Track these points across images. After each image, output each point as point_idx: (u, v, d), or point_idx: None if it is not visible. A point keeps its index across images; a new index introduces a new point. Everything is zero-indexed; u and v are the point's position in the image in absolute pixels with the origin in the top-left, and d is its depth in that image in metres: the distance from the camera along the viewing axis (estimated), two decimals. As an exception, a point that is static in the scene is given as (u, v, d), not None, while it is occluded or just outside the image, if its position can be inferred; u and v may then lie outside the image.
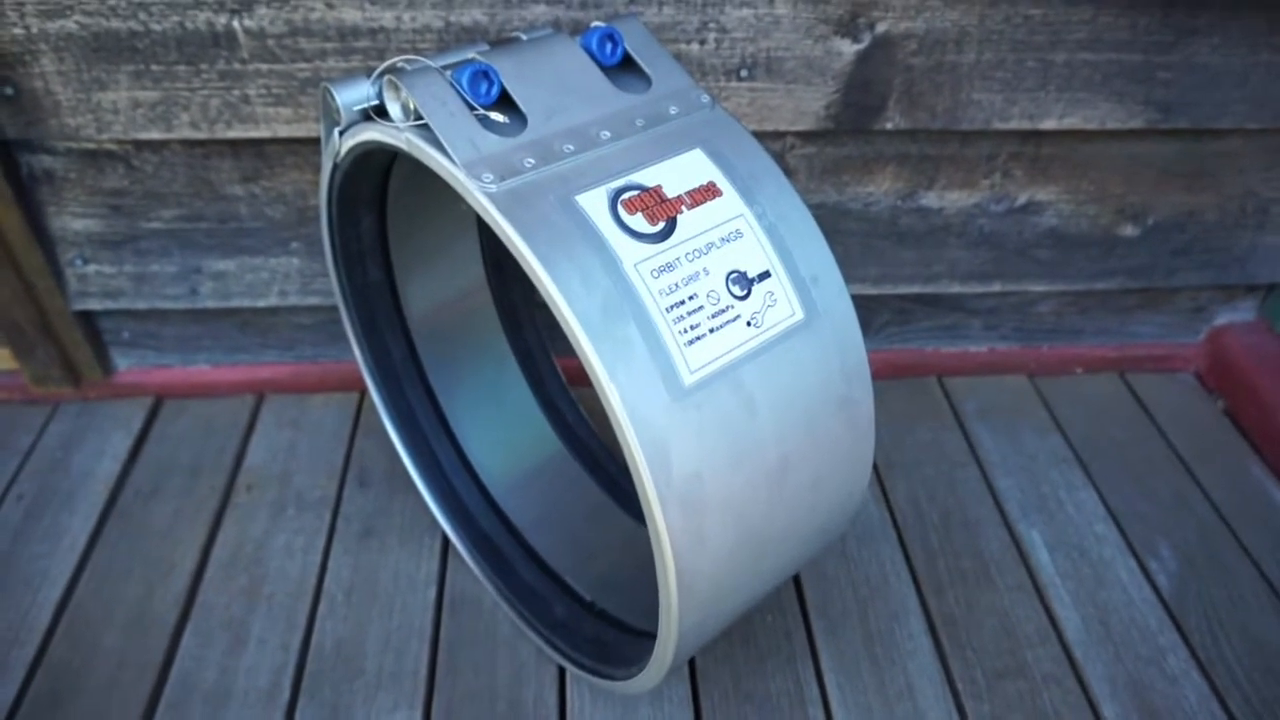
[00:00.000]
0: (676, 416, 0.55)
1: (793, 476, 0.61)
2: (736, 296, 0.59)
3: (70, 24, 0.82)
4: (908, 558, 0.94)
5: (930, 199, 1.01)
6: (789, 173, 0.98)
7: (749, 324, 0.59)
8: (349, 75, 0.65)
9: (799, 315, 0.61)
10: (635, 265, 0.56)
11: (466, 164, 0.57)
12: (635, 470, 0.55)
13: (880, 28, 0.88)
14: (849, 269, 1.06)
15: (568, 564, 0.88)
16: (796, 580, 0.91)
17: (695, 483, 0.56)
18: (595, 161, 0.60)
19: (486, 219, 0.56)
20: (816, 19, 0.86)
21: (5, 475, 1.00)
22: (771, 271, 0.61)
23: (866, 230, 1.03)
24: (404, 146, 0.61)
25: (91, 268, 1.00)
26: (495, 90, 0.61)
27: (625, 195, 0.59)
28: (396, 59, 0.64)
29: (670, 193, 0.60)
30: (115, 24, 0.83)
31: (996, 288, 1.10)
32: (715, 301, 0.58)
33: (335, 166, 0.71)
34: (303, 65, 0.86)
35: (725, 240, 0.60)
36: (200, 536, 0.94)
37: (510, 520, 0.91)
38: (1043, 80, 0.92)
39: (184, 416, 1.08)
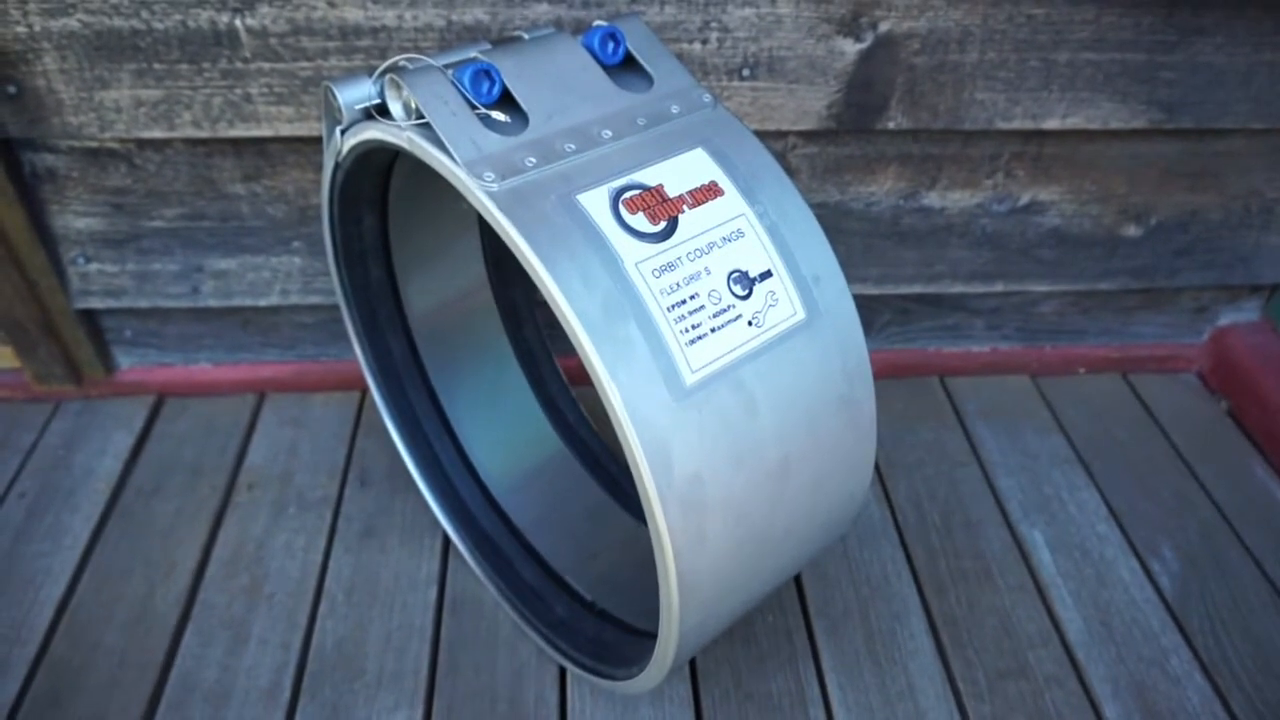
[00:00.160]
0: (677, 416, 0.55)
1: (794, 477, 0.61)
2: (738, 296, 0.59)
3: (73, 22, 0.82)
4: (909, 558, 0.94)
5: (932, 199, 1.01)
6: (791, 172, 0.98)
7: (750, 324, 0.59)
8: (351, 74, 0.65)
9: (800, 315, 0.61)
10: (636, 265, 0.56)
11: (468, 163, 0.57)
12: (636, 470, 0.54)
13: (883, 27, 0.87)
14: (851, 269, 1.05)
15: (568, 564, 0.88)
16: (798, 580, 0.91)
17: (696, 483, 0.56)
18: (597, 161, 0.60)
19: (488, 218, 0.56)
20: (819, 18, 0.86)
21: (7, 473, 1.00)
22: (773, 271, 0.61)
23: (868, 230, 1.03)
24: (405, 145, 0.61)
25: (94, 266, 1.00)
26: (497, 89, 0.61)
27: (627, 194, 0.59)
28: (398, 58, 0.64)
29: (672, 192, 0.60)
30: (118, 22, 0.83)
31: (999, 288, 1.09)
32: (716, 301, 0.58)
33: (337, 165, 0.71)
34: (305, 64, 0.86)
35: (727, 240, 0.60)
36: (201, 535, 0.94)
37: (511, 520, 0.91)
38: (1046, 80, 0.92)
39: (185, 415, 1.08)
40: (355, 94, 0.64)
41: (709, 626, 0.64)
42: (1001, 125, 0.94)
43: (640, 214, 0.58)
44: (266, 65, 0.85)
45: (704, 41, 0.87)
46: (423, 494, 0.91)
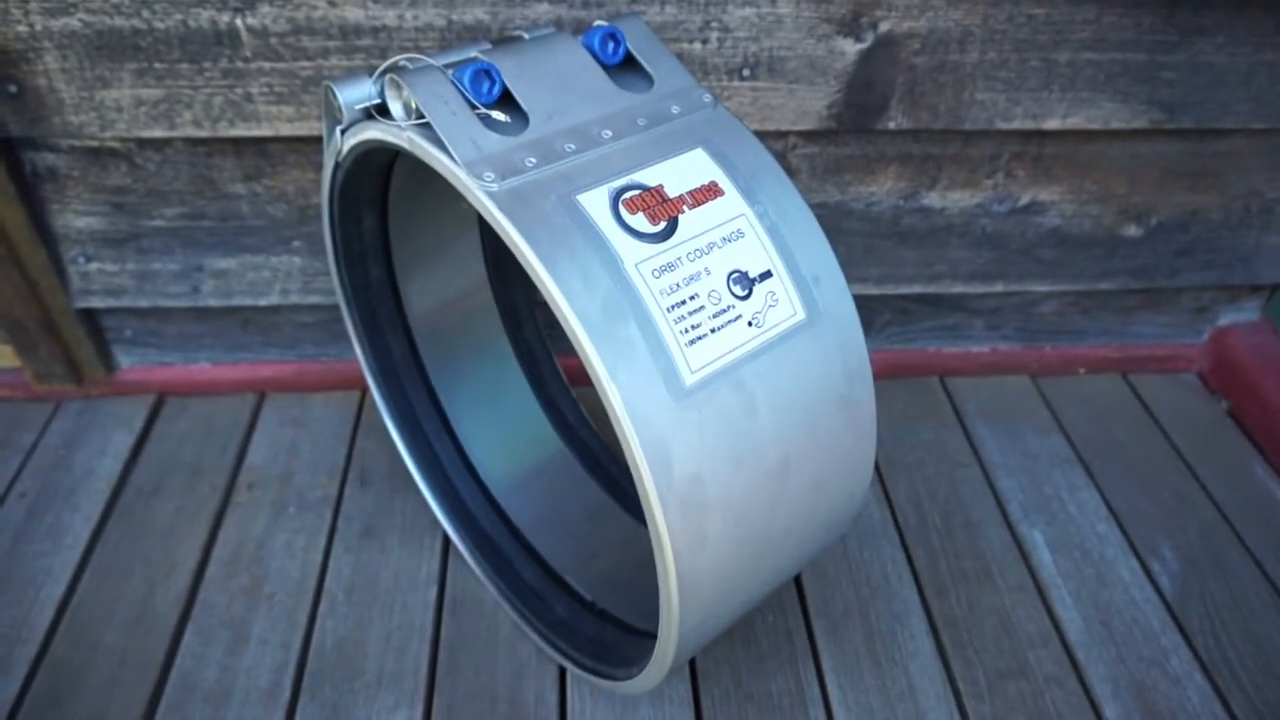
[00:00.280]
0: (677, 416, 0.55)
1: (794, 477, 0.61)
2: (738, 296, 0.59)
3: (74, 22, 0.82)
4: (909, 558, 0.94)
5: (932, 199, 1.01)
6: (791, 172, 0.98)
7: (750, 324, 0.59)
8: (351, 74, 0.65)
9: (800, 315, 0.61)
10: (636, 265, 0.56)
11: (468, 163, 0.57)
12: (636, 470, 0.54)
13: (883, 27, 0.87)
14: (851, 269, 1.05)
15: (568, 564, 0.88)
16: (798, 580, 0.91)
17: (696, 483, 0.56)
18: (597, 161, 0.60)
19: (488, 218, 0.56)
20: (819, 18, 0.86)
21: (8, 473, 1.00)
22: (773, 271, 0.61)
23: (868, 230, 1.03)
24: (406, 145, 0.61)
25: (94, 265, 1.00)
26: (497, 89, 0.61)
27: (627, 195, 0.59)
28: (399, 57, 0.64)
29: (672, 192, 0.60)
30: (119, 22, 0.83)
31: (999, 288, 1.09)
32: (716, 301, 0.58)
33: (337, 165, 0.71)
34: (305, 64, 0.86)
35: (727, 240, 0.60)
36: (201, 535, 0.94)
37: (511, 520, 0.91)
38: (1046, 80, 0.92)
39: (186, 415, 1.08)
40: (355, 94, 0.64)
41: (709, 627, 0.64)
42: (1002, 125, 0.94)
43: (640, 214, 0.58)
44: (267, 65, 0.85)
45: (704, 41, 0.87)
46: (423, 494, 0.91)
